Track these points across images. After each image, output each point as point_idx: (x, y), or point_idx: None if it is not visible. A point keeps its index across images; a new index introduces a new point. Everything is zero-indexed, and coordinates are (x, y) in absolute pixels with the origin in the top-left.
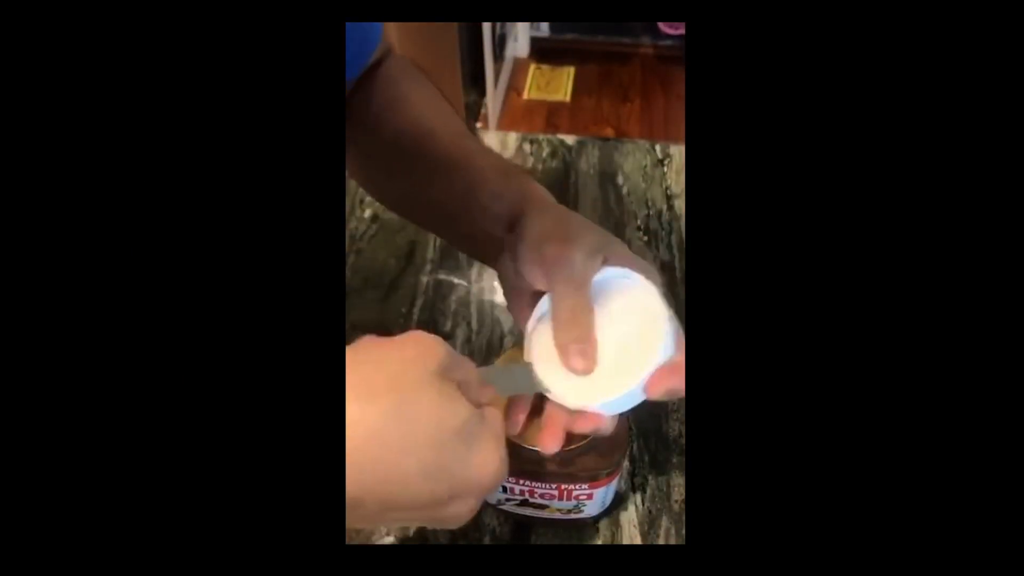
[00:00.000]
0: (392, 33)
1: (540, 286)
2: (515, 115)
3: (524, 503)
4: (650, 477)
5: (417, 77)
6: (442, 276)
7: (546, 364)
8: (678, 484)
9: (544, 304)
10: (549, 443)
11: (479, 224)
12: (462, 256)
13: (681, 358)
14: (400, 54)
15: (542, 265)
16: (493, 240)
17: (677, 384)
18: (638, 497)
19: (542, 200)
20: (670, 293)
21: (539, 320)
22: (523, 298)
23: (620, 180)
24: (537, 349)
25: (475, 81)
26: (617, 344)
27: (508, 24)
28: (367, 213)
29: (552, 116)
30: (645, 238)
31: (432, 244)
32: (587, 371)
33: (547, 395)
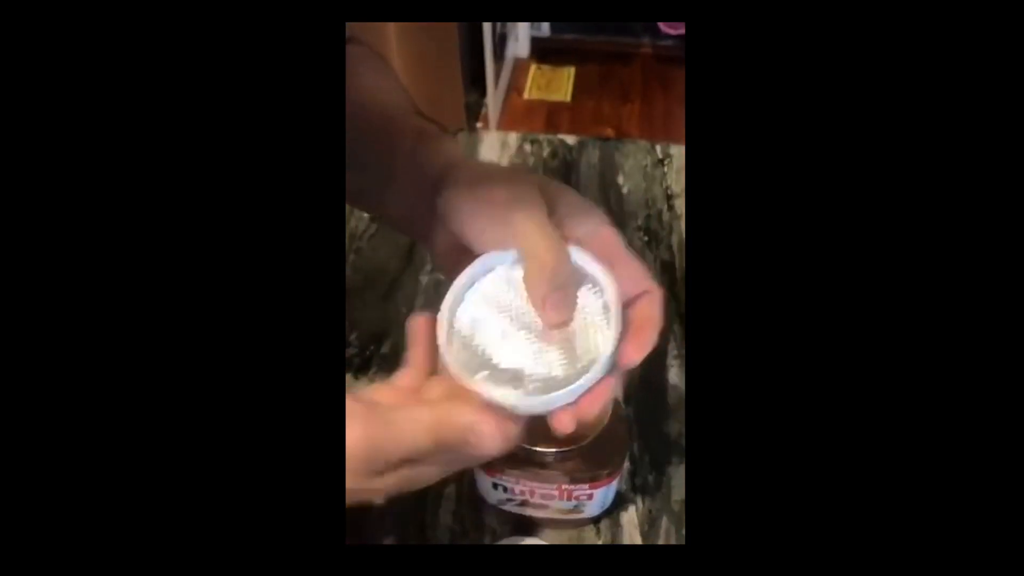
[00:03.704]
0: (392, 33)
1: (482, 239)
2: (515, 115)
3: (525, 503)
4: (650, 477)
5: (373, 62)
6: (442, 276)
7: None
8: (678, 484)
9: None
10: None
11: (408, 192)
12: None
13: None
14: (360, 42)
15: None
16: (420, 212)
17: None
18: (638, 497)
19: (466, 163)
20: (670, 293)
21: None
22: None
23: (620, 180)
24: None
25: (475, 81)
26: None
27: (508, 24)
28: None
29: (552, 116)
30: (645, 238)
31: None
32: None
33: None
